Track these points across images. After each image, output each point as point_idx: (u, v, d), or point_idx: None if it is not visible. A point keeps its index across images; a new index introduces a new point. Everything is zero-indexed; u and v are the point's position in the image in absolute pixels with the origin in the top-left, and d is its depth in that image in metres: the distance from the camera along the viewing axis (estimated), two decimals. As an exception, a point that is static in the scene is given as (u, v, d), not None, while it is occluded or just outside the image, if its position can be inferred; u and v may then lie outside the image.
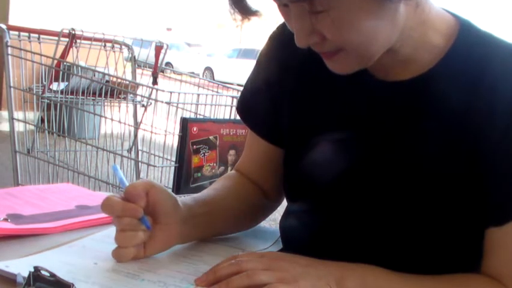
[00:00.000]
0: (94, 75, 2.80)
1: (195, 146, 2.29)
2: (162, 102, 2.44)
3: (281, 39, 0.94)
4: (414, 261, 0.81)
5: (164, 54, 3.04)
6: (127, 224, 0.80)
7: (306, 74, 0.91)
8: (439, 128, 0.80)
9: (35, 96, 2.79)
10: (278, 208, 1.08)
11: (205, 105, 2.56)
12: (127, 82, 2.85)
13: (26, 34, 2.75)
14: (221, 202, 0.94)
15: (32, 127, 2.82)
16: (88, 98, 2.77)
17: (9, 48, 2.67)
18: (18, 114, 2.75)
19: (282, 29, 0.94)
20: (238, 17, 0.78)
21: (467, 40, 0.82)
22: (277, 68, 0.95)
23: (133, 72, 3.24)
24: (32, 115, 2.81)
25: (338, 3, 0.70)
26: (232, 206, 0.96)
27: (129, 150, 2.85)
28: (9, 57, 2.67)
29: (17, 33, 2.73)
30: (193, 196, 0.91)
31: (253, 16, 0.77)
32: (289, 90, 0.93)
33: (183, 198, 0.89)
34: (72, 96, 2.74)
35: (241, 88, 1.06)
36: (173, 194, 0.87)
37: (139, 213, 0.80)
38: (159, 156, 2.57)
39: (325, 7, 0.71)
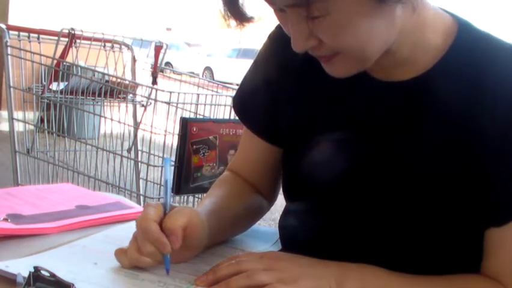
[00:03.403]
0: (94, 75, 2.80)
1: (194, 146, 2.29)
2: (162, 102, 2.44)
3: (280, 38, 0.93)
4: (414, 262, 0.81)
5: (164, 54, 3.04)
6: (148, 252, 0.77)
7: (305, 73, 0.91)
8: (439, 128, 0.80)
9: (34, 96, 2.79)
10: (278, 208, 1.08)
11: (205, 105, 2.56)
12: (127, 82, 2.85)
13: (26, 34, 2.75)
14: (229, 212, 0.93)
15: (31, 127, 2.82)
16: (88, 98, 2.77)
17: (8, 48, 2.66)
18: (18, 114, 2.75)
19: (280, 28, 0.94)
20: (233, 22, 0.78)
21: (465, 40, 0.82)
22: (277, 67, 0.95)
23: (133, 72, 3.24)
24: (32, 115, 2.81)
25: (336, 8, 0.70)
26: (239, 213, 0.96)
27: (129, 150, 2.84)
28: (9, 57, 2.67)
29: (16, 33, 2.73)
30: (207, 210, 0.89)
31: (248, 22, 0.77)
32: (289, 90, 0.93)
33: (200, 212, 0.86)
34: (72, 96, 2.74)
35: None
36: (203, 220, 0.84)
37: (167, 251, 0.77)
38: (159, 156, 2.57)
39: (322, 12, 0.71)
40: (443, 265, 0.82)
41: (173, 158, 2.34)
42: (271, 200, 1.05)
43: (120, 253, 0.80)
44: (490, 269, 0.80)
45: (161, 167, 2.49)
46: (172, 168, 2.28)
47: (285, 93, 0.94)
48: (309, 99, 0.91)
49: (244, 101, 1.02)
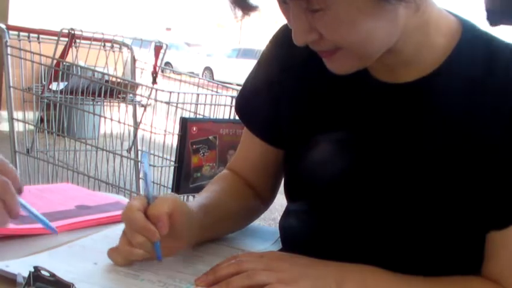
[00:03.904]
0: (94, 75, 2.80)
1: (194, 146, 2.29)
2: (162, 102, 2.44)
3: (283, 39, 0.94)
4: (415, 263, 0.81)
5: (164, 54, 3.04)
6: (138, 242, 0.78)
7: (307, 74, 0.91)
8: (442, 129, 0.80)
9: (34, 96, 2.79)
10: (278, 208, 1.09)
11: (205, 105, 2.56)
12: (127, 82, 2.85)
13: (26, 34, 2.75)
14: (222, 207, 0.93)
15: (31, 127, 2.82)
16: (88, 97, 2.76)
17: (8, 48, 2.66)
18: (17, 114, 2.75)
19: (284, 29, 0.94)
20: (239, 13, 0.78)
21: (469, 41, 0.82)
22: (279, 68, 0.95)
23: (133, 72, 3.24)
24: (32, 115, 2.81)
25: (335, 3, 0.70)
26: (232, 210, 0.96)
27: (129, 150, 2.84)
28: (9, 57, 2.66)
29: (16, 33, 2.72)
30: (198, 203, 0.90)
31: (253, 11, 0.78)
32: (291, 91, 0.93)
33: (191, 206, 0.87)
34: (71, 96, 2.74)
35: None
36: (189, 207, 0.85)
37: (156, 238, 0.78)
38: (159, 156, 2.57)
39: (322, 6, 0.71)
40: (443, 267, 0.81)
41: (173, 158, 2.34)
42: (269, 200, 1.05)
43: (112, 251, 0.80)
44: (491, 271, 0.79)
45: (161, 167, 2.49)
46: (166, 167, 2.28)
47: (287, 94, 0.94)
48: (311, 101, 0.91)
49: (246, 102, 1.02)
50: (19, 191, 0.79)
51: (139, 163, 2.84)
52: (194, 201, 0.91)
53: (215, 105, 2.61)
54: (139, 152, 2.94)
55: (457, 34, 0.82)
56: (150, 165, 2.43)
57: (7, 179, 0.76)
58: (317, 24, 0.73)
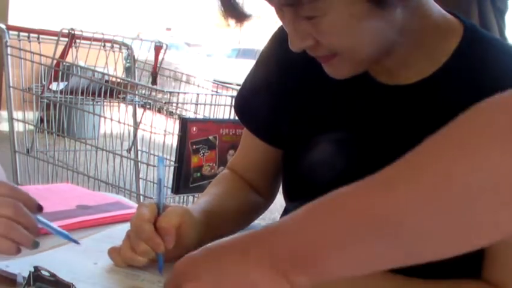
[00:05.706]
0: (93, 75, 2.80)
1: (194, 146, 2.29)
2: (161, 102, 2.44)
3: (282, 39, 0.93)
4: (414, 265, 0.81)
5: (164, 54, 3.04)
6: (142, 250, 0.78)
7: (307, 74, 0.91)
8: None
9: (34, 96, 2.79)
10: (278, 208, 1.09)
11: (205, 105, 2.56)
12: (127, 82, 2.85)
13: (26, 34, 2.75)
14: (224, 211, 0.94)
15: (31, 127, 2.82)
16: (88, 98, 2.76)
17: (8, 48, 2.66)
18: (17, 114, 2.75)
19: (283, 29, 0.94)
20: (232, 22, 0.78)
21: (471, 43, 0.81)
22: (278, 67, 0.95)
23: (132, 73, 3.24)
24: (32, 115, 2.81)
25: (330, 10, 0.70)
26: (233, 211, 0.96)
27: (128, 150, 2.84)
28: (9, 57, 2.66)
29: (16, 33, 2.72)
30: (201, 209, 0.90)
31: (247, 20, 0.78)
32: (290, 91, 0.93)
33: (195, 214, 0.87)
34: (71, 96, 2.74)
35: (241, 88, 1.05)
36: (196, 218, 0.85)
37: (161, 250, 0.78)
38: (158, 156, 2.57)
39: (316, 13, 0.71)
40: (442, 269, 0.81)
41: (173, 158, 2.34)
42: (269, 199, 1.05)
43: (113, 252, 0.80)
44: (491, 275, 0.79)
45: (161, 166, 2.48)
46: (166, 167, 2.28)
47: (287, 94, 0.94)
48: (311, 101, 0.91)
49: (245, 102, 1.02)
50: (39, 209, 0.80)
51: (139, 163, 2.84)
52: (196, 205, 0.91)
53: (215, 105, 2.61)
54: (139, 152, 2.94)
55: (458, 35, 0.82)
56: (150, 165, 2.44)
57: (17, 202, 0.77)
58: (313, 30, 0.73)
